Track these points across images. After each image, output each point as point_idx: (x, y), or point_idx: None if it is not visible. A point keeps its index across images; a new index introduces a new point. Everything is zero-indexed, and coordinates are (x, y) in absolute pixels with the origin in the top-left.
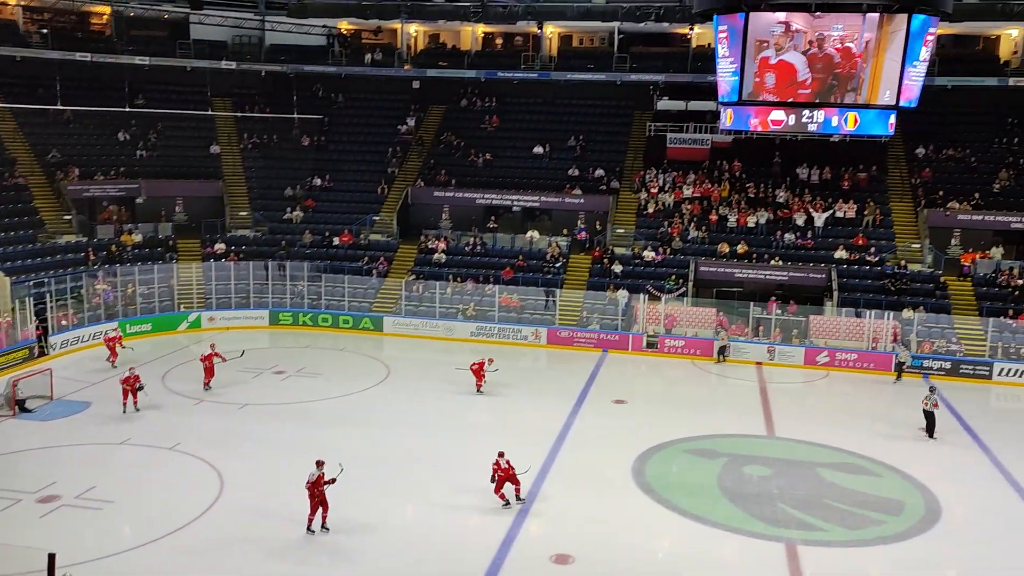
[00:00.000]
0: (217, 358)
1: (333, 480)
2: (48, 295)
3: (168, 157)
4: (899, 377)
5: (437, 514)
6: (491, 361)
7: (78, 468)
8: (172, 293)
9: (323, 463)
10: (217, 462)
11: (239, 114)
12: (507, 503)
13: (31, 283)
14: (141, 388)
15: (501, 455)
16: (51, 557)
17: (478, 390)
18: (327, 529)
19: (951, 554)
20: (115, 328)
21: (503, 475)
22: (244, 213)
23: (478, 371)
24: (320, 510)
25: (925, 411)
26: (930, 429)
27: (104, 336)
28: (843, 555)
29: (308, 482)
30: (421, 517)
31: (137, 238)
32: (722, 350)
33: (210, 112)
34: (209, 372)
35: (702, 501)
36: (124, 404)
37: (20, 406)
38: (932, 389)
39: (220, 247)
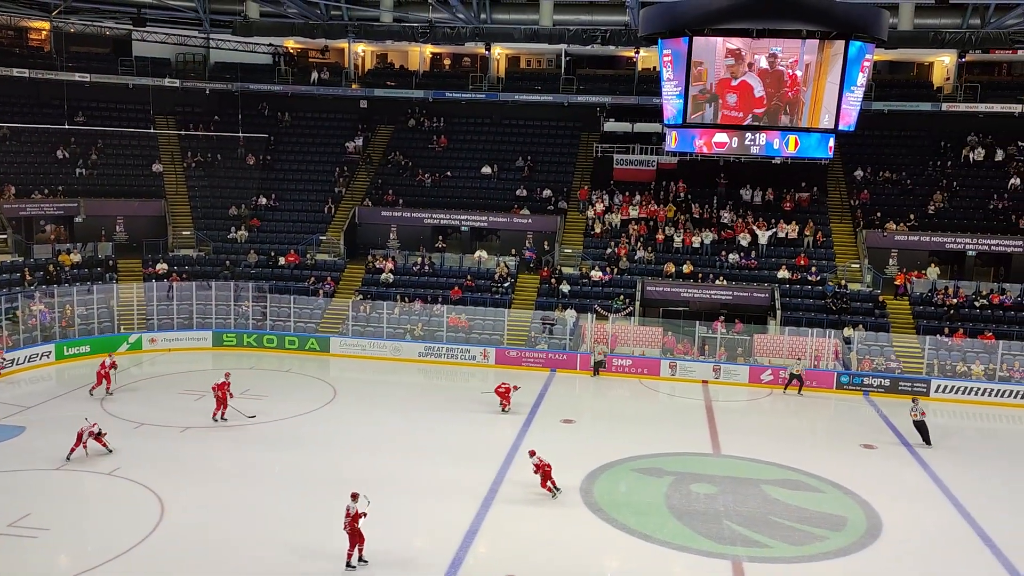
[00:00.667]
0: (227, 388)
1: (364, 514)
2: None
3: (109, 176)
4: (789, 387)
5: (385, 536)
6: (516, 388)
7: (11, 495)
8: (112, 314)
9: (358, 495)
10: (157, 487)
11: (183, 132)
12: (555, 491)
13: None
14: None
15: (532, 453)
16: None
17: (504, 410)
18: (365, 562)
19: (892, 569)
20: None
21: (546, 471)
22: (187, 233)
23: (505, 393)
24: (358, 544)
25: (915, 422)
26: (925, 438)
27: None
28: (787, 571)
29: (347, 516)
30: (368, 539)
31: (76, 258)
32: (598, 365)
33: (153, 130)
34: (221, 403)
35: (650, 519)
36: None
37: None
38: (915, 400)
39: (162, 267)
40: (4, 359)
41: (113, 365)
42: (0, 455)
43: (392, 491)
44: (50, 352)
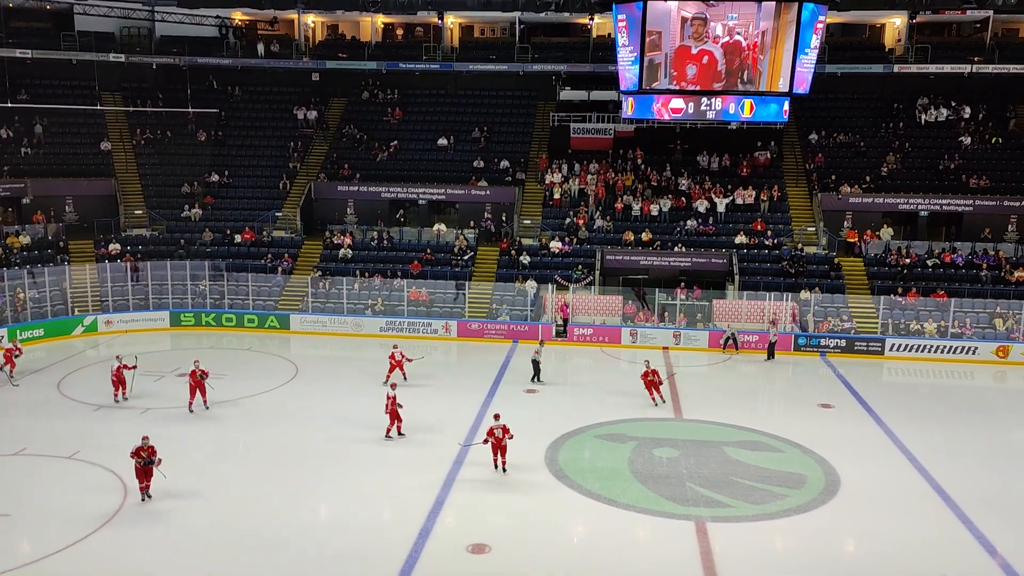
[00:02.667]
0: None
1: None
2: None
3: (55, 155)
4: (726, 346)
5: (351, 510)
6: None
7: None
8: (65, 297)
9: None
10: (120, 469)
11: (130, 109)
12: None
13: None
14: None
15: (497, 417)
16: None
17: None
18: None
19: (851, 524)
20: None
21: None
22: (140, 212)
23: (399, 363)
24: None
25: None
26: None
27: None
28: (750, 529)
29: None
30: (335, 514)
31: (25, 240)
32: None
33: (99, 107)
34: (195, 391)
35: (614, 484)
36: None
37: None
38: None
39: (115, 247)
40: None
41: (17, 351)
42: None
43: (357, 466)
44: (2, 337)
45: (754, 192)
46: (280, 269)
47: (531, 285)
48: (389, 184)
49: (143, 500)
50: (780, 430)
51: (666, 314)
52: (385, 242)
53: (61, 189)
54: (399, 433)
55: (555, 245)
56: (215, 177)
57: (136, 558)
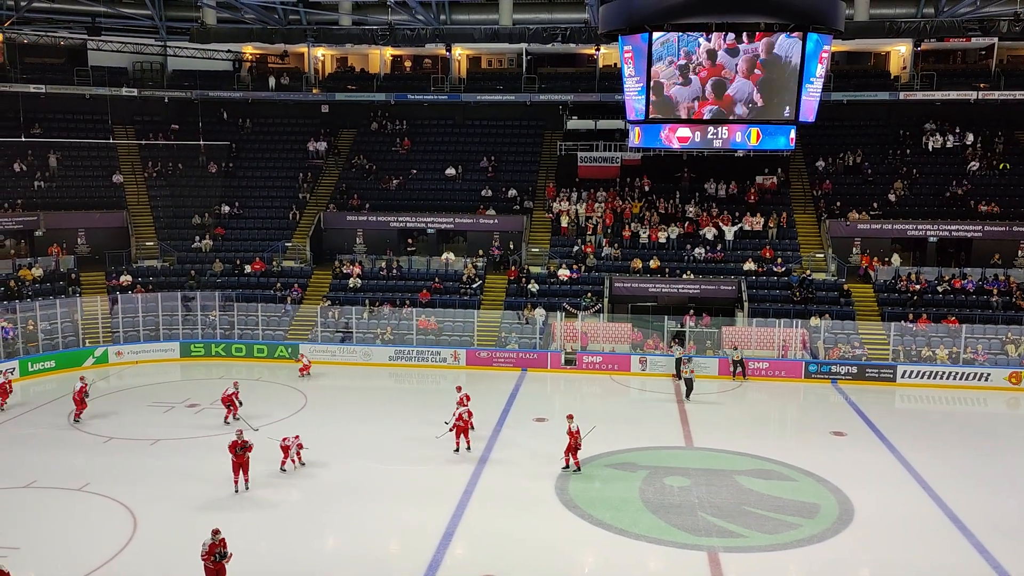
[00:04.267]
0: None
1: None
2: None
3: (68, 188)
4: (736, 373)
5: (360, 540)
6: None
7: None
8: (76, 328)
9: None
10: (129, 501)
11: (142, 142)
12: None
13: None
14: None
15: (570, 417)
16: None
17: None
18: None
19: (865, 554)
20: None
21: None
22: (151, 243)
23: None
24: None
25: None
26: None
27: None
28: (762, 560)
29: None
30: (344, 544)
31: (37, 272)
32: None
33: (112, 140)
34: (231, 406)
35: (625, 514)
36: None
37: None
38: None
39: (126, 279)
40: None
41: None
42: None
43: (366, 496)
44: (14, 368)
45: (762, 219)
46: (290, 299)
47: (540, 313)
48: (398, 214)
49: None
50: (792, 458)
51: (674, 342)
52: (394, 271)
53: (74, 221)
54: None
55: (563, 273)
56: (226, 208)
57: None
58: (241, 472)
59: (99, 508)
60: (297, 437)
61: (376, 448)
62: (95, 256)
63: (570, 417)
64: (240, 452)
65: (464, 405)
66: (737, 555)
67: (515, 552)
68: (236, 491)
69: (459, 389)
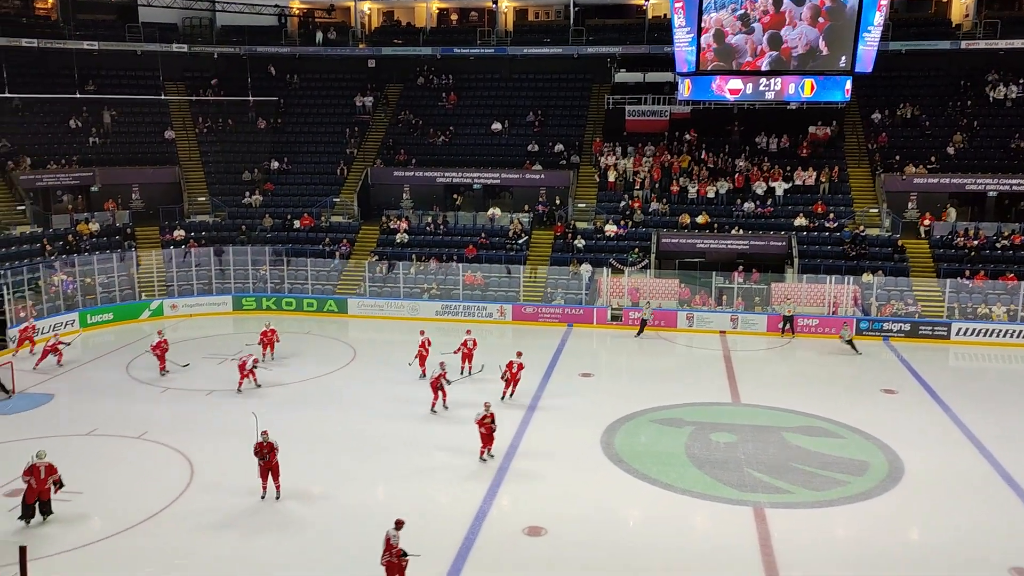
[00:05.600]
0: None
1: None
2: (5, 287)
3: (122, 144)
4: (785, 329)
5: (408, 492)
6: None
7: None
8: (133, 282)
9: (403, 523)
10: (186, 449)
11: (193, 98)
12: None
13: None
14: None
15: (519, 354)
16: (22, 550)
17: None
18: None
19: (914, 511)
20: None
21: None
22: (202, 199)
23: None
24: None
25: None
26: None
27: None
28: (809, 516)
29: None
30: (392, 496)
31: (94, 227)
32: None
33: (163, 96)
34: (269, 345)
35: (671, 469)
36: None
37: (3, 389)
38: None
39: (179, 234)
40: (62, 342)
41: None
42: (31, 421)
43: (415, 448)
44: (74, 320)
45: (814, 173)
46: (338, 254)
47: (586, 269)
48: (444, 169)
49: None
50: (841, 416)
51: (724, 298)
52: (440, 227)
53: (128, 177)
54: (444, 407)
55: (610, 228)
56: (275, 164)
57: (202, 536)
58: (270, 476)
59: (158, 455)
60: (252, 355)
61: (424, 402)
62: (149, 211)
63: (519, 354)
64: (265, 457)
65: (519, 366)
66: (783, 511)
67: (560, 505)
68: (263, 497)
69: (518, 354)
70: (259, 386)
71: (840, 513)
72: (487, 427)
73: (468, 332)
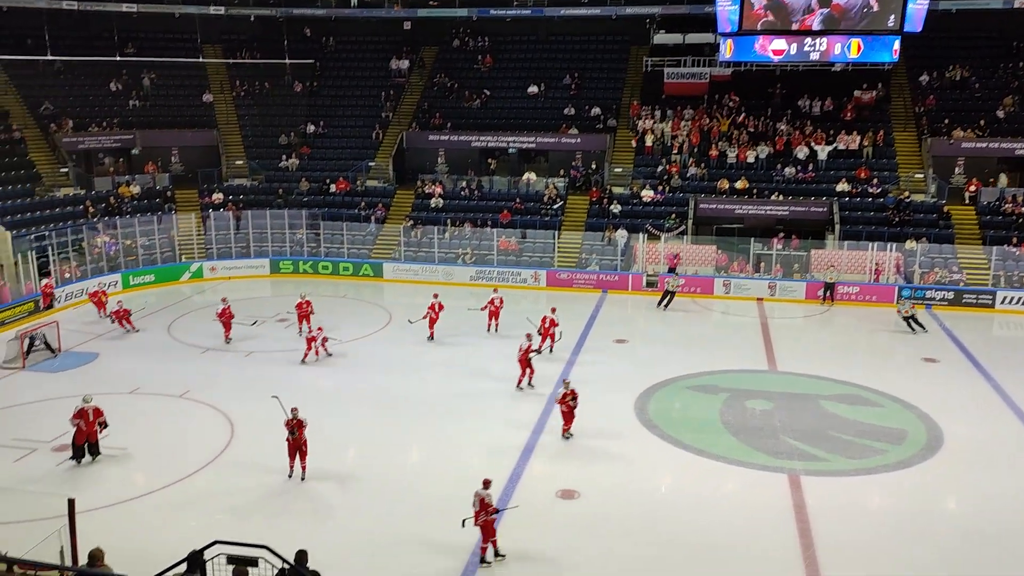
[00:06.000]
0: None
1: (495, 510)
2: (50, 248)
3: (161, 107)
4: (825, 297)
5: (442, 455)
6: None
7: None
8: (173, 244)
9: (490, 482)
10: (226, 409)
11: (230, 61)
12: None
13: (32, 237)
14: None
15: (553, 310)
16: (71, 502)
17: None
18: (502, 556)
19: (953, 481)
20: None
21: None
22: (240, 162)
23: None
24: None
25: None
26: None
27: (89, 293)
28: (846, 484)
29: (482, 507)
30: (426, 459)
31: (135, 189)
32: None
33: (201, 59)
34: (305, 317)
35: (705, 436)
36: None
37: (48, 348)
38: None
39: (218, 197)
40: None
41: (103, 293)
42: (77, 379)
43: (447, 413)
44: (117, 281)
45: (858, 137)
46: (373, 218)
47: (621, 234)
48: (479, 133)
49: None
50: (880, 384)
51: (762, 264)
52: (475, 191)
53: (167, 140)
54: (529, 384)
55: (647, 193)
56: (311, 128)
57: (242, 493)
58: (298, 456)
59: (199, 414)
60: (320, 329)
61: (457, 365)
62: (188, 174)
63: (553, 310)
64: (294, 433)
65: (551, 322)
66: (819, 478)
67: (593, 469)
68: (290, 476)
69: (552, 310)
70: (330, 355)
71: (877, 482)
72: (568, 405)
73: (495, 291)
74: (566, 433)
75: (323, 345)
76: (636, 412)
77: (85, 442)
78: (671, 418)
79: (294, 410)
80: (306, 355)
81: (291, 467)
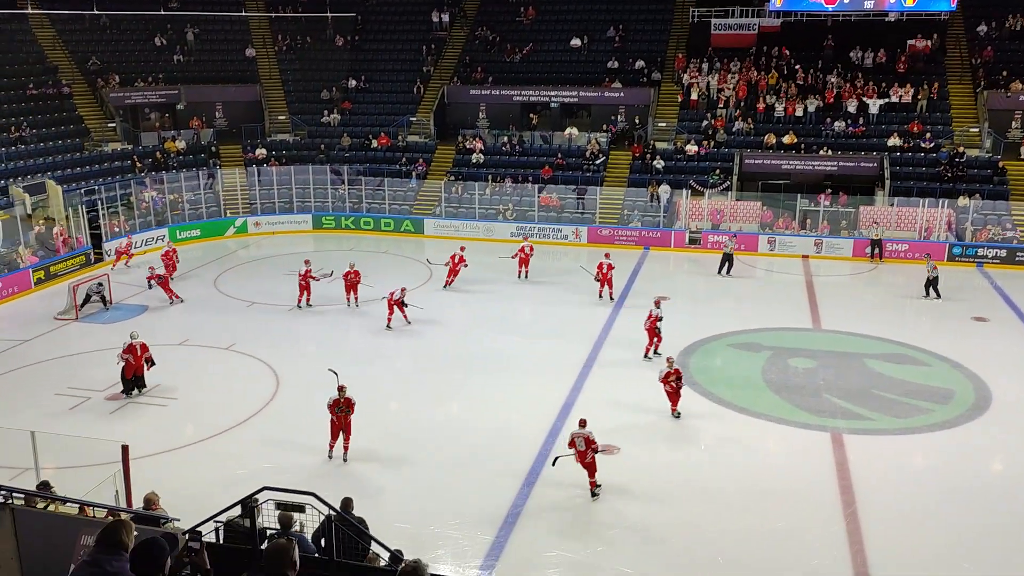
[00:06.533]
0: (312, 278)
1: (596, 448)
2: (99, 203)
3: (205, 62)
4: (873, 254)
5: (485, 409)
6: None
7: None
8: (218, 199)
9: (586, 422)
10: (272, 360)
11: (272, 15)
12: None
13: (82, 191)
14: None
15: (608, 255)
16: (124, 448)
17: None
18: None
19: (999, 441)
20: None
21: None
22: (283, 117)
23: (525, 258)
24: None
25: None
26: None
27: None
28: (890, 443)
29: (587, 445)
30: (468, 413)
31: (180, 145)
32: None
33: (244, 14)
34: (303, 289)
35: (746, 393)
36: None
37: (103, 300)
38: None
39: (261, 152)
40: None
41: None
42: (127, 331)
43: (487, 368)
44: (164, 236)
45: (912, 90)
46: (414, 174)
47: (664, 190)
48: (521, 87)
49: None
50: (928, 343)
51: (808, 221)
52: (516, 147)
53: (211, 95)
54: (656, 353)
55: (691, 148)
56: (352, 82)
57: (287, 444)
58: (341, 436)
59: (245, 365)
60: (404, 290)
61: (497, 321)
62: (232, 129)
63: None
64: (340, 412)
65: (608, 267)
66: (862, 437)
67: (633, 426)
68: (330, 456)
69: (607, 256)
70: (409, 323)
71: (922, 441)
72: (672, 385)
73: (525, 239)
74: (674, 412)
75: (401, 308)
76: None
77: (134, 375)
78: (712, 375)
79: (341, 389)
80: (389, 319)
81: (331, 448)
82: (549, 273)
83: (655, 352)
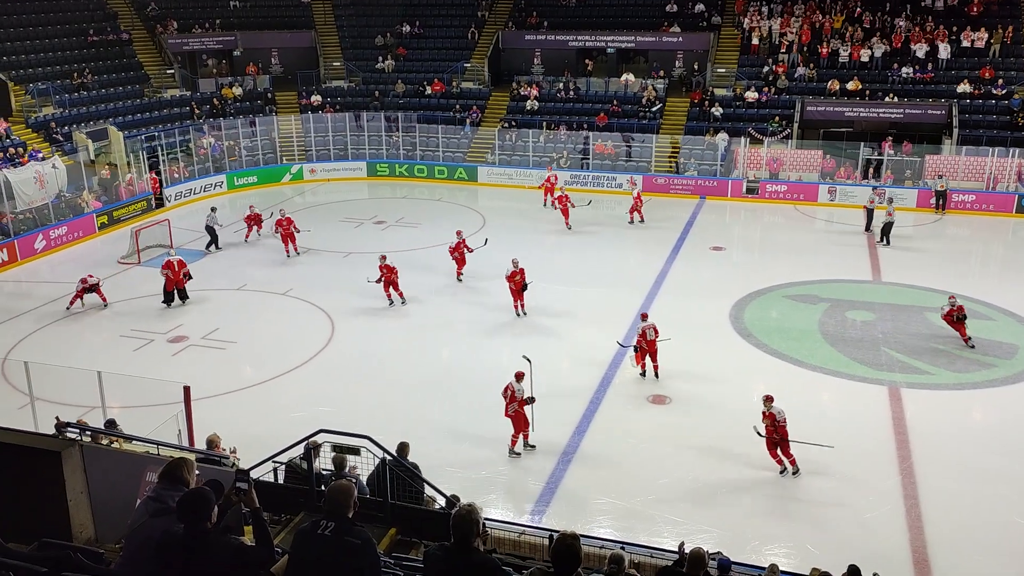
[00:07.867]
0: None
1: (531, 399)
2: (159, 149)
3: (260, 7)
4: (938, 206)
5: (536, 359)
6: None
7: (202, 312)
8: (274, 146)
9: (523, 376)
10: (327, 306)
11: None
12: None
13: (143, 137)
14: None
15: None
16: (186, 389)
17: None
18: (532, 447)
19: None
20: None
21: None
22: (337, 64)
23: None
24: (522, 431)
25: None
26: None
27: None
28: (949, 398)
29: (510, 399)
30: (519, 361)
31: (237, 91)
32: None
33: None
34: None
35: (802, 345)
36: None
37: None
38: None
39: (316, 99)
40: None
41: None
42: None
43: (539, 317)
44: (222, 182)
45: (985, 34)
46: (468, 121)
47: (722, 138)
48: (577, 32)
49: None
50: (992, 297)
51: (871, 171)
52: (571, 93)
53: (267, 41)
54: None
55: (750, 95)
56: (406, 28)
57: (343, 387)
58: (392, 288)
59: (302, 311)
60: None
61: (550, 270)
62: (287, 76)
63: (769, 399)
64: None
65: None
66: (921, 391)
67: (685, 376)
68: (391, 303)
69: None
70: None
71: (981, 396)
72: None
73: (550, 168)
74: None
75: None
76: (731, 320)
77: (174, 288)
78: (767, 327)
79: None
80: (459, 272)
81: (389, 296)
82: (600, 222)
83: (655, 376)
